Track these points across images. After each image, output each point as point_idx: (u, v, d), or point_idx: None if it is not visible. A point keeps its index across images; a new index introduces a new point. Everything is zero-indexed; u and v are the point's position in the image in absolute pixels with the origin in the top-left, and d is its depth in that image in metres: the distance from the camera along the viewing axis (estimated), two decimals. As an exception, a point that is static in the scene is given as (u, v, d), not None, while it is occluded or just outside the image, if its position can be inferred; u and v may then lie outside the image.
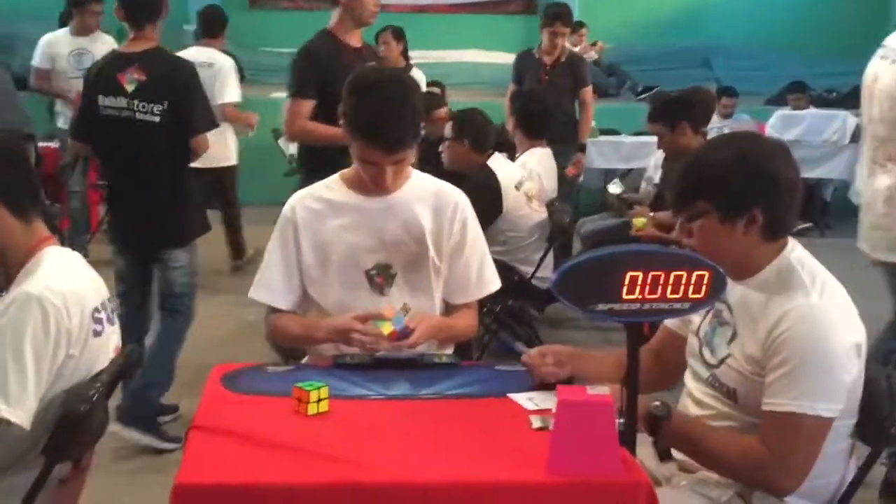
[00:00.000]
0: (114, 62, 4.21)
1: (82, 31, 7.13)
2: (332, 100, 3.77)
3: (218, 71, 6.82)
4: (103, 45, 6.95)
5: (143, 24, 4.16)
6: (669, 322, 2.53)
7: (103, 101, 4.11)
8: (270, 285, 2.76)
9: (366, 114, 2.57)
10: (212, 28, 7.10)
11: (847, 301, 2.21)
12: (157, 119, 4.09)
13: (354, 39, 4.48)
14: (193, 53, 6.82)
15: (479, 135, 4.91)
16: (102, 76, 4.17)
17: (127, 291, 4.33)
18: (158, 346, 4.32)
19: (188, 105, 4.14)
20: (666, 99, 5.37)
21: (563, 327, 5.83)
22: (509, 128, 5.91)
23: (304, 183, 3.26)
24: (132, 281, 4.34)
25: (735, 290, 2.29)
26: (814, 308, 2.14)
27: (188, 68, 4.27)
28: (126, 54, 4.20)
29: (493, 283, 2.87)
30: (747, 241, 2.21)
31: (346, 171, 2.78)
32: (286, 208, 2.78)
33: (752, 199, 2.19)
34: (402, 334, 2.53)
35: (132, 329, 4.22)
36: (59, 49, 7.03)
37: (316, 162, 4.14)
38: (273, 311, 2.78)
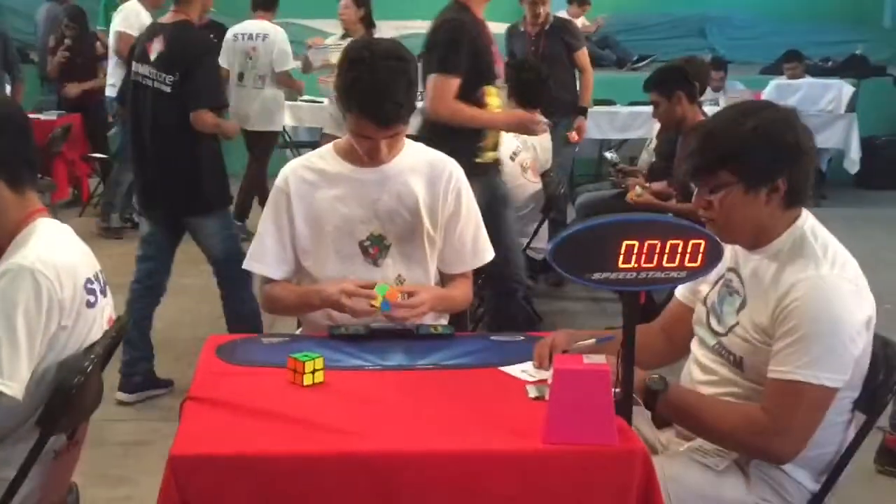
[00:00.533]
0: (148, 32, 4.49)
1: (151, 5, 7.35)
2: (478, 78, 4.01)
3: (273, 41, 7.43)
4: None
5: None
6: (679, 294, 2.53)
7: (136, 67, 4.37)
8: (263, 256, 2.75)
9: (360, 89, 2.54)
10: (266, 2, 7.63)
11: (858, 273, 2.20)
12: (168, 89, 4.25)
13: (481, 13, 4.30)
14: (248, 26, 7.50)
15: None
16: (139, 44, 4.44)
17: (147, 255, 4.44)
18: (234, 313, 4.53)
19: (193, 78, 4.22)
20: (662, 68, 5.34)
21: (559, 298, 5.83)
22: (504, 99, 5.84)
23: None
24: (156, 245, 4.46)
25: (749, 261, 2.29)
26: (825, 279, 2.14)
27: (203, 44, 4.44)
28: (158, 25, 4.46)
29: (488, 252, 2.87)
30: (767, 210, 2.21)
31: (339, 141, 2.77)
32: (279, 179, 2.77)
33: (776, 168, 2.18)
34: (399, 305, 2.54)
35: (144, 295, 4.35)
36: (144, 20, 7.08)
37: (457, 141, 3.76)
38: (267, 281, 2.78)
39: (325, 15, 11.27)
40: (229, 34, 7.60)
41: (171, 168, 4.30)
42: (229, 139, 4.78)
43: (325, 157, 2.76)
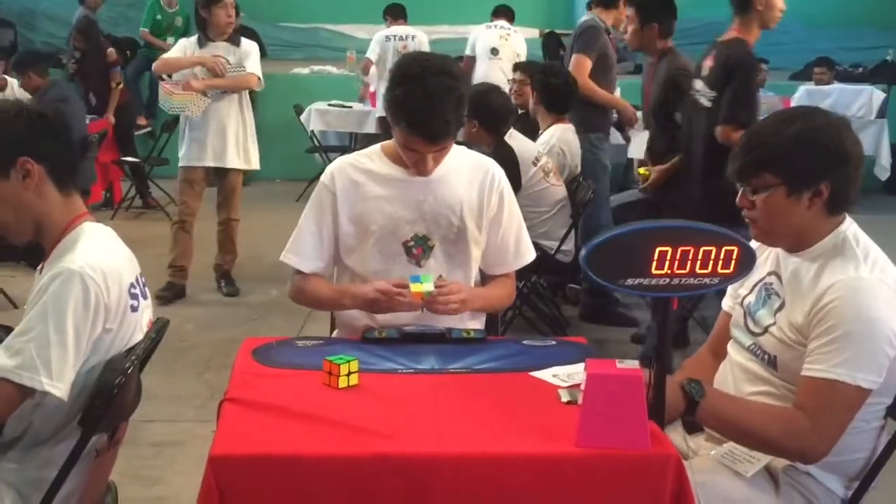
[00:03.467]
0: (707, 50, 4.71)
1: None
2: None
3: (420, 40, 8.74)
4: None
5: None
6: (725, 306, 2.55)
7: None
8: (301, 250, 2.79)
9: (409, 106, 2.57)
10: (397, 10, 9.07)
11: None
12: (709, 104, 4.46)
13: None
14: (397, 30, 8.90)
15: (488, 117, 4.80)
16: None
17: None
18: None
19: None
20: None
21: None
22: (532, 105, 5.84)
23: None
24: None
25: (790, 263, 2.31)
26: (864, 280, 2.15)
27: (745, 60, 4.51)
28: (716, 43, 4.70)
29: (530, 253, 2.91)
30: (810, 215, 2.23)
31: (387, 143, 2.80)
32: (325, 176, 2.80)
33: (820, 172, 2.20)
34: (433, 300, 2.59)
35: None
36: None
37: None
38: (299, 272, 2.81)
39: (354, 20, 11.38)
40: (381, 35, 8.60)
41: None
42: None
43: (372, 158, 2.79)
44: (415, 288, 2.58)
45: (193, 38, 5.77)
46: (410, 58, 2.73)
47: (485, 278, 2.89)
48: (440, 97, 2.55)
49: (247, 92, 5.84)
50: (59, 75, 8.83)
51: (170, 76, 5.74)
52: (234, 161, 5.81)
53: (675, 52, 4.97)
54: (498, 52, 8.63)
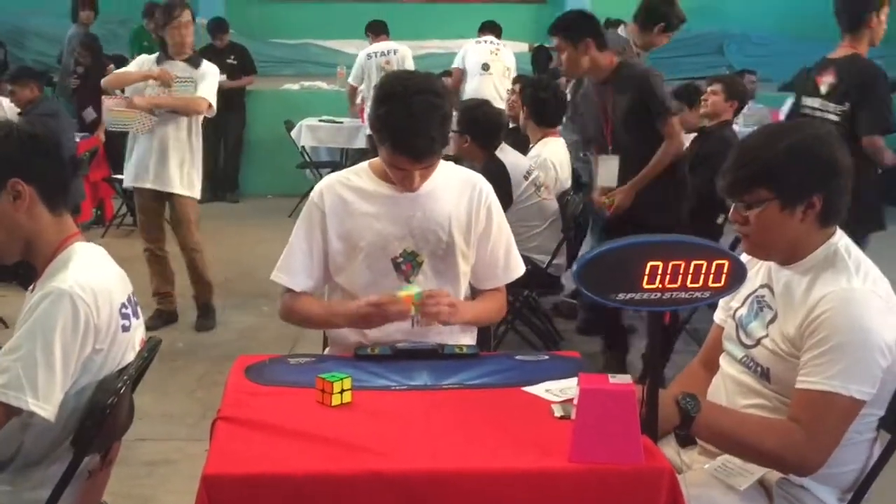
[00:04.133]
0: (818, 66, 4.82)
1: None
2: None
3: (403, 54, 8.84)
4: None
5: None
6: (717, 318, 2.56)
7: (804, 101, 4.78)
8: (292, 269, 2.78)
9: (393, 125, 2.57)
10: (379, 28, 9.10)
11: (890, 293, 2.22)
12: (836, 118, 4.50)
13: None
14: (378, 46, 8.90)
15: (479, 132, 4.84)
16: (809, 77, 4.85)
17: None
18: None
19: (866, 106, 4.48)
20: (571, 12, 5.03)
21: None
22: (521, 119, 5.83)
23: None
24: None
25: (781, 276, 2.31)
26: (855, 292, 2.16)
27: (872, 73, 4.58)
28: (828, 59, 4.77)
29: (520, 267, 2.91)
30: (803, 228, 2.24)
31: (374, 160, 2.80)
32: (314, 193, 2.81)
33: (813, 185, 2.21)
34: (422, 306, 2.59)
35: None
36: None
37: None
38: (288, 290, 2.81)
39: (344, 36, 11.40)
40: (363, 55, 8.71)
41: None
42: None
43: (360, 175, 2.80)
44: (403, 293, 2.58)
45: (153, 56, 5.61)
46: (393, 76, 2.74)
47: (475, 294, 2.89)
48: (424, 115, 2.55)
49: (198, 119, 5.55)
50: (48, 93, 8.83)
51: (122, 91, 5.56)
52: (177, 186, 5.51)
53: (628, 62, 4.66)
54: (489, 67, 8.70)
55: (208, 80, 5.50)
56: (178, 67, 5.49)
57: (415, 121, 2.54)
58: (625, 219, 4.48)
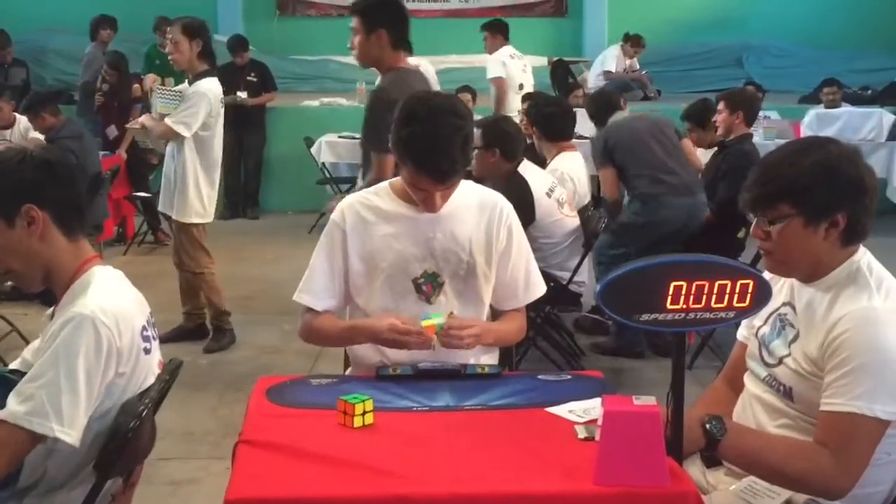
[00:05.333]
0: None
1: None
2: None
3: (427, 69, 8.06)
4: None
5: None
6: (740, 336, 2.54)
7: None
8: (314, 289, 2.78)
9: (415, 147, 2.58)
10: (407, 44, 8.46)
11: None
12: None
13: None
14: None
15: (509, 143, 4.87)
16: None
17: None
18: None
19: None
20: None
21: (601, 332, 5.80)
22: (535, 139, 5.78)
23: None
24: None
25: (804, 294, 2.29)
26: (877, 311, 2.14)
27: None
28: None
29: (540, 286, 2.90)
30: (825, 245, 2.21)
31: (395, 180, 2.80)
32: (335, 213, 2.80)
33: (837, 203, 2.19)
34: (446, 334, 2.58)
35: None
36: None
37: None
38: (308, 310, 2.80)
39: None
40: None
41: None
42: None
43: (380, 195, 2.80)
44: (426, 323, 2.57)
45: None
46: (415, 98, 2.74)
47: (495, 314, 2.88)
48: (446, 138, 2.55)
49: (192, 142, 5.34)
50: (70, 112, 8.89)
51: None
52: (166, 207, 5.48)
53: (407, 69, 4.22)
54: (524, 87, 8.58)
55: (187, 104, 5.30)
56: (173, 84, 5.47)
57: (437, 143, 2.54)
58: None
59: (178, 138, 5.33)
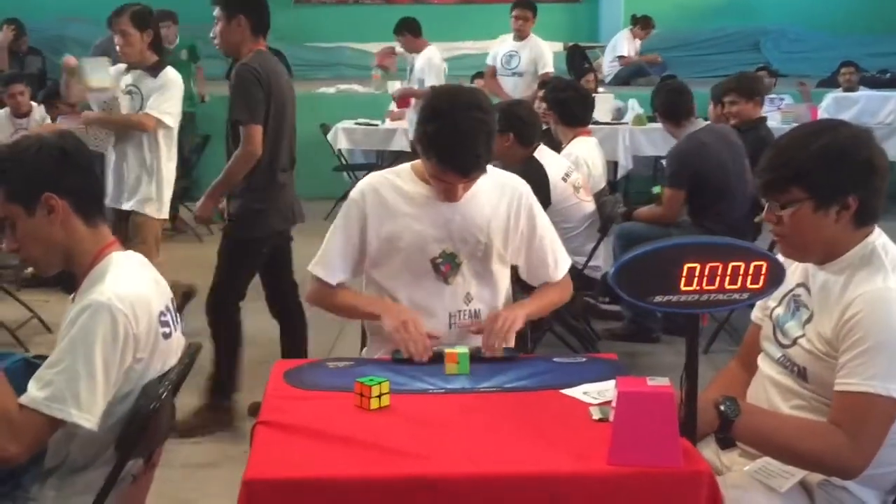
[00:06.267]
0: None
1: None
2: None
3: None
4: None
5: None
6: (754, 317, 2.54)
7: None
8: (329, 263, 2.84)
9: (439, 143, 2.60)
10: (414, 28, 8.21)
11: None
12: None
13: None
14: None
15: (524, 128, 4.86)
16: None
17: None
18: None
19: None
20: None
21: (616, 316, 5.81)
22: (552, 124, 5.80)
23: None
24: None
25: (818, 275, 2.30)
26: (891, 291, 2.14)
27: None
28: None
29: (567, 261, 2.99)
30: (838, 228, 2.22)
31: (417, 162, 2.81)
32: (355, 192, 2.83)
33: (848, 186, 2.19)
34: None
35: None
36: None
37: None
38: (320, 279, 2.85)
39: (378, 39, 11.44)
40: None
41: None
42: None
43: (402, 177, 2.82)
44: (451, 350, 2.54)
45: (123, 65, 5.19)
46: (439, 91, 2.77)
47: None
48: (470, 132, 2.57)
49: (156, 134, 5.07)
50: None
51: (74, 106, 5.19)
52: (124, 202, 5.10)
53: (264, 53, 4.24)
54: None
55: (160, 93, 5.02)
56: (132, 77, 5.09)
57: (462, 138, 2.57)
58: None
59: (143, 131, 5.02)
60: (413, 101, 8.26)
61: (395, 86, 8.94)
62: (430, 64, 8.17)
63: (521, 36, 8.26)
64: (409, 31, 8.35)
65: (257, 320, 5.69)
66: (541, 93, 6.27)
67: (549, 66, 8.18)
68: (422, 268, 2.77)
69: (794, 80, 10.34)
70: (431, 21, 9.22)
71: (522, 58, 8.20)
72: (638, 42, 11.17)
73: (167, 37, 9.02)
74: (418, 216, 2.76)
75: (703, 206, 5.25)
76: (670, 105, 5.44)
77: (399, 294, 2.79)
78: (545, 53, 8.24)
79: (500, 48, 8.39)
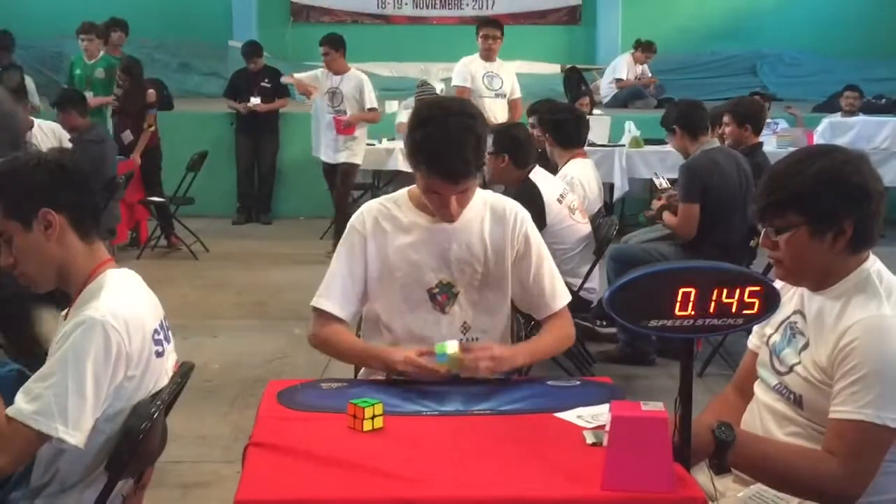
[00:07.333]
0: None
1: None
2: None
3: None
4: None
5: None
6: (751, 344, 2.54)
7: None
8: (332, 295, 2.76)
9: (428, 148, 2.59)
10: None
11: None
12: None
13: None
14: None
15: (520, 150, 4.87)
16: None
17: None
18: None
19: None
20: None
21: (611, 339, 5.80)
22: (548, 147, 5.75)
23: None
24: None
25: (814, 302, 2.30)
26: (886, 318, 2.14)
27: None
28: None
29: (566, 294, 2.90)
30: (833, 253, 2.22)
31: (413, 188, 2.81)
32: (355, 220, 2.81)
33: (843, 211, 2.19)
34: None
35: None
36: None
37: None
38: (321, 314, 2.77)
39: (375, 59, 11.46)
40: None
41: None
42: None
43: (399, 205, 2.81)
44: (439, 350, 2.54)
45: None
46: (427, 102, 2.76)
47: (537, 325, 2.89)
48: (459, 137, 2.57)
49: None
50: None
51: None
52: None
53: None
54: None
55: None
56: None
57: (450, 143, 2.56)
58: None
59: None
60: (356, 128, 8.06)
61: (400, 117, 8.80)
62: (367, 85, 8.06)
63: (490, 56, 7.91)
64: (336, 48, 8.13)
65: (248, 341, 5.71)
66: (531, 119, 6.24)
67: (518, 90, 8.03)
68: (418, 297, 2.75)
69: (785, 105, 10.35)
70: (430, 41, 9.26)
71: (504, 79, 7.95)
72: (639, 67, 11.21)
73: (88, 50, 8.91)
74: (414, 245, 2.74)
75: (701, 227, 5.24)
76: (690, 117, 5.40)
77: (395, 324, 2.76)
78: (513, 75, 8.11)
79: (473, 69, 7.93)
